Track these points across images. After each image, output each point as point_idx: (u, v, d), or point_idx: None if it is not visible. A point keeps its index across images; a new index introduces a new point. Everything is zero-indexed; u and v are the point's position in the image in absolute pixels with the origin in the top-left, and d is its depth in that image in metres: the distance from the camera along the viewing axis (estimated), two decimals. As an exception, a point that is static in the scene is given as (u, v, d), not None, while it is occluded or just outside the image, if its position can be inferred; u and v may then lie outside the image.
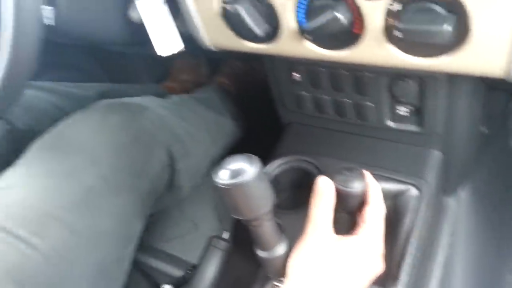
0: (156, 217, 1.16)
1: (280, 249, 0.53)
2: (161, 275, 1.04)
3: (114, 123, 0.65)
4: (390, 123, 0.74)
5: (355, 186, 0.57)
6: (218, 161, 1.01)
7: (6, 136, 0.73)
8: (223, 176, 0.45)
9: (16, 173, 0.61)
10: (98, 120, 0.65)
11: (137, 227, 0.65)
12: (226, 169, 0.46)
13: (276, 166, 0.80)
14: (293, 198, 0.81)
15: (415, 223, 0.67)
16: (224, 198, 0.47)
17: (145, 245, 1.12)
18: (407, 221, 0.69)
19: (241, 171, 0.45)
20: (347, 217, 0.65)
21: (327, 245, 0.51)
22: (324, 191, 0.56)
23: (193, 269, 0.67)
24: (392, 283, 0.62)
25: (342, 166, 0.59)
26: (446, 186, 0.86)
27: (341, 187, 0.57)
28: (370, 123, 0.76)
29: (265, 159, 0.83)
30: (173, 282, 0.82)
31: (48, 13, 0.53)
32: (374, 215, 0.55)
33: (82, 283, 0.56)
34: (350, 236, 0.53)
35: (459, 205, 0.92)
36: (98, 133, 0.64)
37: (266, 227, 0.51)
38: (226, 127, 0.97)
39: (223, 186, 0.45)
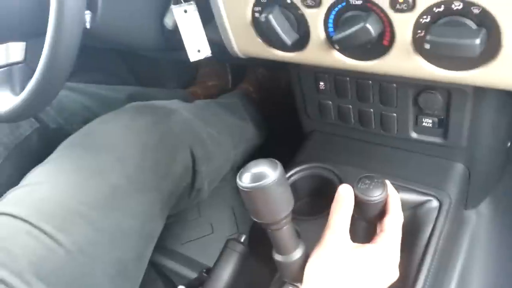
0: (174, 219, 1.18)
1: (297, 254, 0.54)
2: (177, 277, 1.05)
3: (142, 125, 0.67)
4: (414, 134, 0.75)
5: (376, 195, 0.57)
6: (238, 166, 1.03)
7: (37, 135, 0.76)
8: (245, 179, 0.46)
9: (45, 170, 0.63)
10: (126, 121, 0.67)
11: (158, 226, 0.67)
12: (249, 172, 0.47)
13: (296, 172, 0.81)
14: (312, 205, 0.82)
15: (433, 235, 0.67)
16: (245, 201, 0.48)
17: (162, 246, 1.14)
18: (425, 232, 0.68)
19: (264, 175, 0.46)
20: (365, 225, 0.65)
21: (344, 252, 0.52)
22: (345, 198, 0.57)
23: (208, 272, 0.68)
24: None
25: (363, 175, 0.59)
26: (468, 200, 0.85)
27: (361, 196, 0.57)
28: (393, 133, 0.76)
29: (285, 166, 0.84)
30: (188, 284, 0.83)
31: (86, 18, 0.56)
32: (393, 225, 0.56)
33: (103, 279, 0.57)
34: (368, 245, 0.53)
35: (479, 219, 0.91)
36: (126, 133, 0.66)
37: (285, 232, 0.52)
38: (248, 133, 0.98)
39: (245, 189, 0.46)
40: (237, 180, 0.47)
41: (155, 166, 0.65)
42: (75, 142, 0.65)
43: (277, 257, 0.55)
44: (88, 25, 0.54)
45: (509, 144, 0.89)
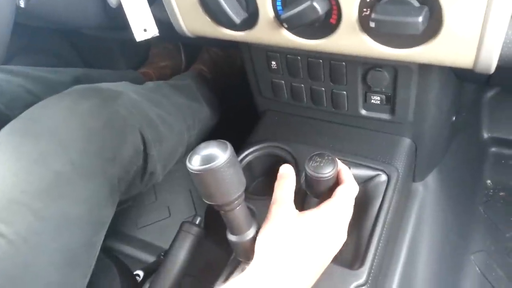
0: (130, 203, 1.16)
1: (250, 233, 0.55)
2: (134, 262, 1.04)
3: (86, 108, 0.64)
4: (363, 111, 0.76)
5: (327, 172, 0.58)
6: (193, 148, 1.02)
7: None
8: (195, 162, 0.46)
9: None
10: (69, 105, 0.64)
11: (108, 212, 0.65)
12: (198, 154, 0.46)
13: (250, 152, 0.81)
14: (267, 184, 0.82)
15: (382, 207, 0.70)
16: (196, 183, 0.48)
17: (118, 231, 1.12)
18: (375, 205, 0.71)
19: (213, 156, 0.46)
20: (318, 202, 0.67)
21: (289, 221, 0.53)
22: (286, 175, 0.59)
23: (169, 248, 0.67)
24: (359, 265, 0.65)
25: (314, 153, 0.60)
26: (415, 173, 0.89)
27: (312, 173, 0.58)
28: (344, 111, 0.77)
29: (240, 146, 0.84)
30: (146, 268, 0.82)
31: (20, -5, 0.52)
32: (344, 192, 0.57)
33: (49, 269, 0.56)
34: (311, 211, 0.55)
35: (426, 191, 0.95)
36: (69, 117, 0.63)
37: (238, 212, 0.52)
38: (201, 114, 0.97)
39: (195, 172, 0.46)
40: (187, 163, 0.47)
41: (101, 151, 0.63)
42: (15, 128, 0.62)
43: (231, 237, 0.55)
44: (22, 4, 0.51)
45: (453, 118, 0.93)
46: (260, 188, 0.82)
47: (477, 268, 1.00)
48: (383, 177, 0.74)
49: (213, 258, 0.71)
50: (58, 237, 0.56)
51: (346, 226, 0.56)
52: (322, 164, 0.59)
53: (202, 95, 1.01)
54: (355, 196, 0.59)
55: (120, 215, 1.14)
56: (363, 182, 0.74)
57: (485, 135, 1.18)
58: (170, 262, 0.65)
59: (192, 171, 0.46)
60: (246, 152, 0.81)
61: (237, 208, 0.52)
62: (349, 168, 0.73)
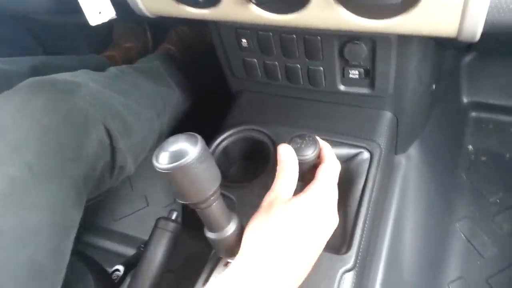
0: (105, 195, 1.11)
1: (230, 229, 0.51)
2: (114, 256, 1.00)
3: (39, 105, 0.58)
4: (342, 87, 0.73)
5: (308, 153, 0.55)
6: (165, 135, 0.97)
7: None
8: (163, 160, 0.41)
9: None
10: (20, 103, 0.58)
11: (74, 216, 0.60)
12: (166, 151, 0.42)
13: (226, 137, 0.77)
14: (246, 169, 0.79)
15: (366, 186, 0.67)
16: (166, 182, 0.43)
17: (94, 226, 1.07)
18: (359, 183, 0.68)
19: (183, 152, 0.41)
20: (301, 184, 0.64)
21: (276, 210, 0.48)
22: (287, 161, 0.53)
23: (146, 247, 0.63)
24: (346, 249, 0.62)
25: (294, 135, 0.57)
26: (397, 146, 0.87)
27: None
28: (321, 87, 0.74)
29: (216, 130, 0.79)
30: (126, 262, 0.79)
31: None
32: (327, 172, 0.53)
33: (12, 285, 0.51)
34: (298, 196, 0.50)
35: (409, 163, 0.93)
36: (20, 117, 0.57)
37: (214, 208, 0.48)
38: (173, 99, 0.92)
39: (164, 171, 0.41)
40: (154, 161, 0.42)
41: (60, 150, 0.57)
42: None
43: (210, 234, 0.52)
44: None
45: (433, 87, 0.90)
46: (238, 173, 0.79)
47: (463, 235, 1.00)
48: (366, 155, 0.71)
49: (194, 252, 0.68)
50: (20, 250, 0.52)
51: (335, 208, 0.52)
52: (303, 146, 0.55)
53: (172, 77, 0.95)
54: (338, 174, 0.56)
55: (95, 208, 1.09)
56: (345, 161, 0.71)
57: (465, 100, 1.17)
58: (147, 262, 0.61)
59: (160, 170, 0.42)
60: (221, 137, 0.77)
61: (214, 204, 0.48)
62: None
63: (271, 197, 0.50)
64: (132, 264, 0.77)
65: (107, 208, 1.09)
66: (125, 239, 1.03)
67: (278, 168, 0.53)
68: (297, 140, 0.56)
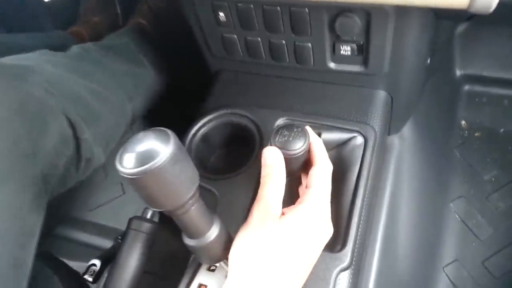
0: (77, 184, 1.03)
1: (212, 234, 0.45)
2: (90, 249, 0.94)
3: None
4: (332, 65, 0.66)
5: (297, 148, 0.48)
6: (141, 118, 0.89)
7: None
8: (128, 163, 0.34)
9: None
10: None
11: (35, 219, 0.53)
12: (132, 152, 0.34)
13: (206, 122, 0.70)
14: (229, 158, 0.72)
15: (361, 176, 0.61)
16: (135, 189, 0.36)
17: (68, 217, 1.00)
18: (352, 173, 0.63)
19: (152, 153, 0.34)
20: (288, 181, 0.58)
21: (268, 227, 0.43)
22: (273, 166, 0.47)
23: (118, 251, 0.57)
24: (340, 246, 0.57)
25: (280, 125, 0.50)
26: (391, 126, 0.81)
27: (281, 151, 0.48)
28: (310, 66, 0.67)
29: (194, 114, 0.72)
30: (103, 256, 0.72)
31: None
32: (320, 178, 0.48)
33: None
34: (294, 208, 0.45)
35: (402, 143, 0.88)
36: None
37: (193, 213, 0.41)
38: (146, 79, 0.83)
39: (130, 176, 0.34)
40: (117, 165, 0.35)
41: (13, 147, 0.49)
42: None
43: (189, 241, 0.45)
44: None
45: (428, 61, 0.84)
46: (220, 163, 0.72)
47: (457, 216, 0.96)
48: (359, 139, 0.65)
49: (174, 251, 0.62)
50: None
51: (329, 216, 0.47)
52: (291, 139, 0.49)
53: (144, 55, 0.87)
54: (331, 176, 0.50)
55: (68, 198, 1.02)
56: (337, 147, 0.65)
57: (458, 73, 1.11)
58: (121, 267, 0.55)
59: (125, 175, 0.35)
60: (200, 123, 0.70)
61: (192, 208, 0.41)
62: (320, 134, 0.64)
63: (260, 210, 0.44)
64: (109, 258, 0.71)
65: (81, 197, 1.01)
66: (101, 230, 0.96)
67: (263, 173, 0.47)
68: (284, 131, 0.49)
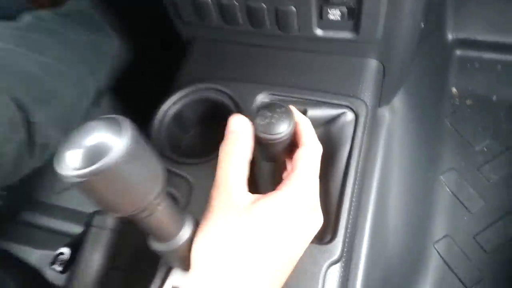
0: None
1: (183, 235, 0.38)
2: (59, 236, 0.87)
3: None
4: (319, 31, 0.59)
5: (281, 131, 0.41)
6: (106, 94, 0.80)
7: None
8: (72, 161, 0.27)
9: None
10: None
11: None
12: (77, 148, 0.27)
13: (179, 99, 0.62)
14: (204, 139, 0.65)
15: (352, 156, 0.55)
16: (82, 193, 0.29)
17: (33, 201, 0.92)
18: (342, 153, 0.56)
19: (102, 148, 0.27)
20: (273, 166, 0.51)
21: (236, 217, 0.36)
22: (237, 139, 0.40)
23: (79, 249, 0.50)
24: (330, 236, 0.51)
25: (262, 106, 0.43)
26: (381, 97, 0.74)
27: (263, 135, 0.41)
28: (293, 33, 0.59)
29: (165, 89, 0.64)
30: (72, 243, 0.66)
31: None
32: (308, 159, 0.41)
33: None
34: (272, 195, 0.38)
35: (393, 116, 0.82)
36: None
37: (160, 215, 0.35)
38: (110, 49, 0.74)
39: (77, 179, 0.27)
40: (56, 167, 0.28)
41: None
42: None
43: (156, 246, 0.39)
44: None
45: (422, 25, 0.77)
46: (194, 144, 0.65)
47: (448, 189, 0.92)
48: (350, 115, 0.58)
49: (144, 246, 0.55)
50: None
51: (318, 203, 0.41)
52: (273, 120, 0.42)
53: (108, 22, 0.77)
54: (320, 159, 0.43)
55: (31, 180, 0.93)
56: (325, 124, 0.59)
57: (450, 37, 1.04)
58: (83, 269, 0.48)
59: (68, 180, 0.27)
60: (173, 99, 0.62)
61: (159, 208, 0.35)
62: (306, 111, 0.58)
63: (220, 198, 0.37)
64: (79, 246, 0.65)
65: (45, 179, 0.93)
66: (70, 215, 0.89)
67: (222, 144, 0.39)
68: (266, 113, 0.42)
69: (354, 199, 0.54)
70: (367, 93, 0.61)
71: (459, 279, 0.84)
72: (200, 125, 0.65)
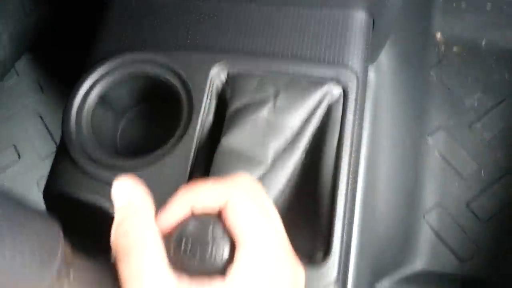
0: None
1: None
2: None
3: None
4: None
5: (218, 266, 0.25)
6: (11, 63, 0.63)
7: None
8: None
9: None
10: None
11: None
12: None
13: (102, 76, 0.45)
14: (143, 123, 0.49)
15: (342, 149, 0.42)
16: None
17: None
18: (329, 143, 0.43)
19: None
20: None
21: None
22: (130, 211, 0.27)
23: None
24: (323, 252, 0.39)
25: (178, 230, 0.27)
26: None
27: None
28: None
29: (83, 61, 0.47)
30: None
31: None
32: (256, 261, 0.26)
33: None
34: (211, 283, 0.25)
35: (379, 76, 0.69)
36: None
37: None
38: (12, 12, 0.55)
39: None
40: None
41: None
42: None
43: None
44: None
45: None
46: (133, 134, 0.49)
47: (437, 153, 0.81)
48: (336, 91, 0.44)
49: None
50: None
51: (292, 255, 0.27)
52: (198, 254, 0.26)
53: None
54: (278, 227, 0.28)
55: None
56: (304, 111, 0.44)
57: (433, -29, 0.89)
58: None
59: None
60: (92, 78, 0.45)
61: None
62: (279, 92, 0.43)
63: None
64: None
65: None
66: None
67: (114, 234, 0.27)
68: (188, 242, 0.26)
69: (348, 204, 0.41)
70: (355, 59, 0.46)
71: (453, 253, 0.75)
72: (137, 106, 0.49)
